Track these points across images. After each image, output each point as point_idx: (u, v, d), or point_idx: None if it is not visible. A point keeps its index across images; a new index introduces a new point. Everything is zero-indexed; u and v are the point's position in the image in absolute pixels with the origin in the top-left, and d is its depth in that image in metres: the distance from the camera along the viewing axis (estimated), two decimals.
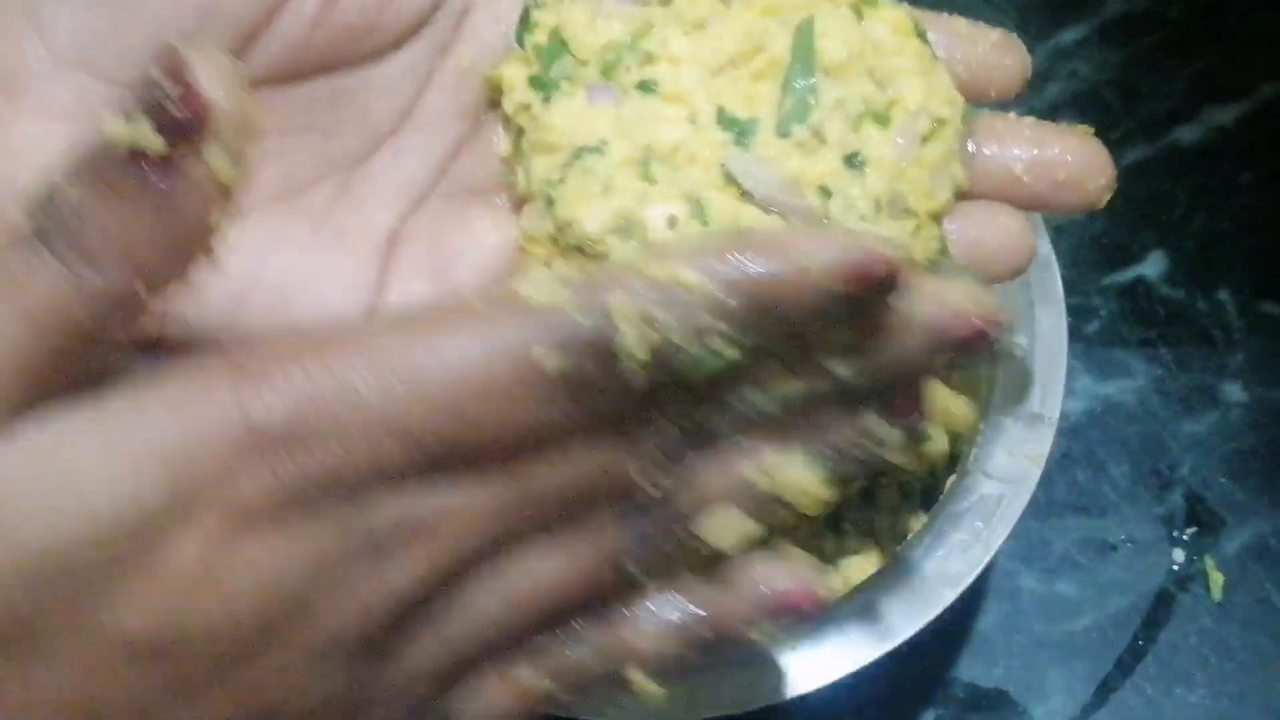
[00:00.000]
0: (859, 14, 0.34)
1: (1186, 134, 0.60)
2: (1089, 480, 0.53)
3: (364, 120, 0.34)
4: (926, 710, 0.49)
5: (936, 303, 0.27)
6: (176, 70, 0.23)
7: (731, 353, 0.26)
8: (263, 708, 0.26)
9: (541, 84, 0.34)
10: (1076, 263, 0.57)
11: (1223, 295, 0.56)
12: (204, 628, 0.25)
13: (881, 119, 0.32)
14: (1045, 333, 0.46)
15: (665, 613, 0.30)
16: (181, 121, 0.23)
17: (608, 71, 0.34)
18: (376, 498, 0.26)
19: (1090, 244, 0.57)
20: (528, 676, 0.29)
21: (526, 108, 0.34)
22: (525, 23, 0.35)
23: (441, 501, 0.26)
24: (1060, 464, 0.52)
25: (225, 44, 0.32)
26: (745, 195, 0.32)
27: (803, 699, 0.41)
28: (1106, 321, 0.56)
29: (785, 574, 0.30)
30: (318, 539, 0.25)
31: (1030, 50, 0.36)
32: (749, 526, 0.29)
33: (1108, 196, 0.33)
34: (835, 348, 0.28)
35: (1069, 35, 0.62)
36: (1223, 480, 0.53)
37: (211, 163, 0.24)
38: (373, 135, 0.35)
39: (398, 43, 0.34)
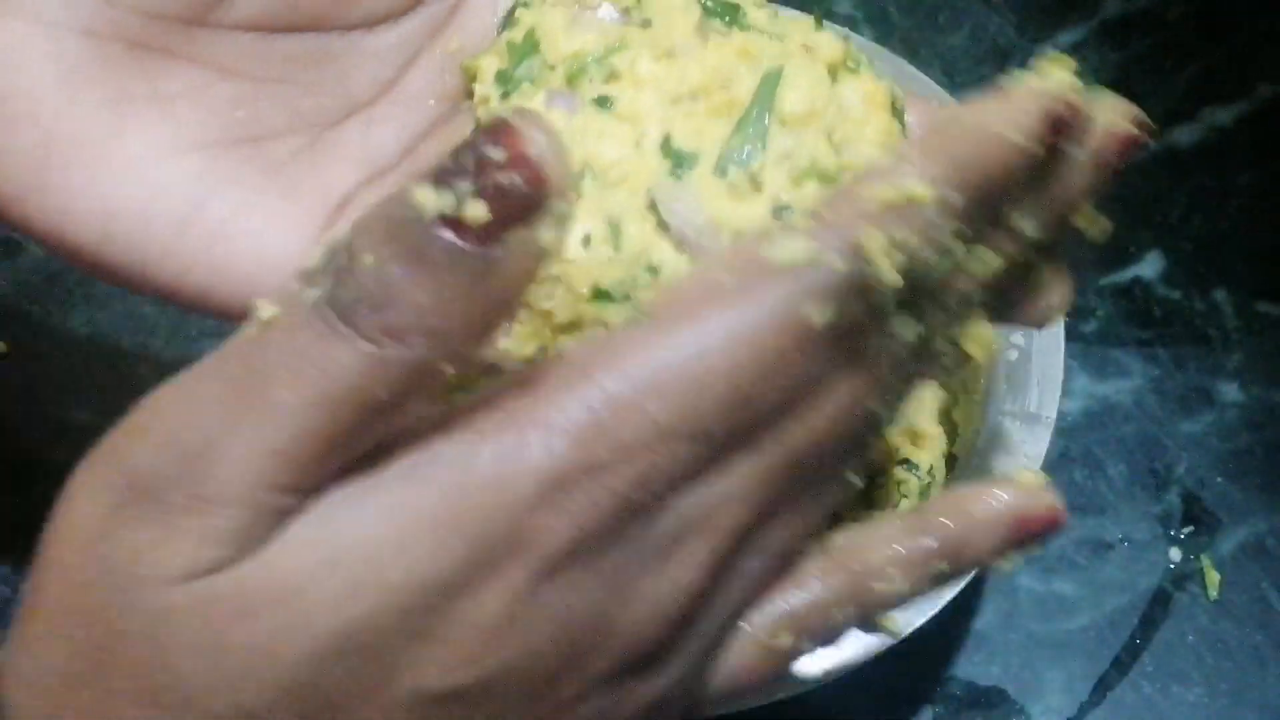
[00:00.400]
0: (834, 76, 0.34)
1: (1184, 135, 0.60)
2: (1086, 480, 0.53)
3: (343, 85, 0.35)
4: (924, 708, 0.49)
5: (1098, 130, 0.28)
6: (507, 137, 0.22)
7: (960, 247, 0.26)
8: None
9: (504, 79, 0.34)
10: (1074, 262, 0.57)
11: (1220, 296, 0.57)
12: (509, 673, 0.24)
13: (826, 178, 0.32)
14: (1042, 333, 0.46)
15: (904, 548, 0.29)
16: (512, 190, 0.22)
17: (572, 80, 0.34)
18: (662, 503, 0.25)
19: (1088, 244, 0.58)
20: (779, 637, 0.28)
21: (486, 101, 0.34)
22: (509, 17, 0.35)
23: (716, 488, 0.25)
24: (1058, 464, 0.53)
25: None
26: (661, 227, 0.32)
27: (802, 697, 0.41)
28: (1104, 322, 0.56)
29: (1022, 495, 0.29)
30: (615, 562, 0.25)
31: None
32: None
33: (1060, 316, 0.32)
34: (1033, 206, 0.28)
35: (1067, 36, 0.62)
36: (1219, 480, 0.53)
37: (538, 231, 0.23)
38: (349, 101, 0.35)
39: (391, 15, 0.34)
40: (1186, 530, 0.52)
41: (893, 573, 0.29)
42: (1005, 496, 0.29)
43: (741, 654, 0.28)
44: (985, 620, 0.50)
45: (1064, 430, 0.53)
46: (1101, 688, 0.49)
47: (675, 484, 0.25)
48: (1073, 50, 0.62)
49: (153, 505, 0.23)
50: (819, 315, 0.24)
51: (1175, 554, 0.51)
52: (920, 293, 0.26)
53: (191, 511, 0.23)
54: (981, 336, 0.29)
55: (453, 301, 0.22)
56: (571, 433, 0.23)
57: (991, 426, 0.45)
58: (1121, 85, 0.61)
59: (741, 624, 0.28)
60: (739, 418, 0.25)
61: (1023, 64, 0.60)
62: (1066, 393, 0.46)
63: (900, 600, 0.29)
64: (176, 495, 0.23)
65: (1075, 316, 0.55)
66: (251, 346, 0.23)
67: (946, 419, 0.50)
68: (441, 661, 0.24)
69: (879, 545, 0.29)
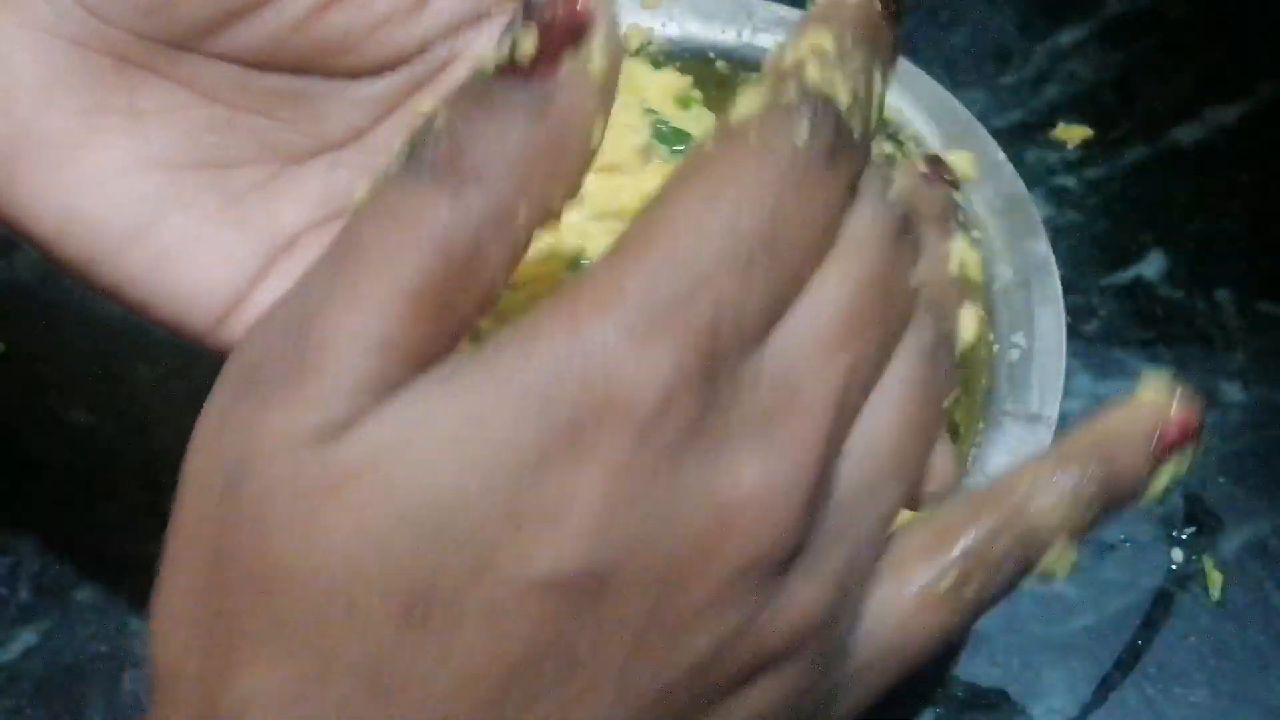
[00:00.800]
0: None
1: (1186, 134, 0.60)
2: None
3: (317, 126, 0.35)
4: (926, 709, 0.49)
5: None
6: None
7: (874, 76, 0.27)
8: (694, 651, 0.25)
9: None
10: (1075, 262, 0.57)
11: (1222, 295, 0.56)
12: (628, 558, 0.23)
13: None
14: (1044, 332, 0.46)
15: (1054, 475, 0.29)
16: (559, 21, 0.24)
17: None
18: (744, 360, 0.25)
19: (1089, 244, 0.57)
20: (943, 582, 0.28)
21: None
22: None
23: (790, 341, 0.25)
24: None
25: (205, 14, 0.33)
26: None
27: None
28: (1105, 321, 0.56)
29: (1155, 406, 0.30)
30: (713, 434, 0.24)
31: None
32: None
33: None
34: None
35: (1068, 35, 0.62)
36: (1221, 480, 0.53)
37: (591, 63, 0.24)
38: (319, 141, 0.35)
39: (375, 70, 0.35)
40: (1188, 531, 0.52)
41: (1047, 504, 0.29)
42: (1140, 408, 0.30)
43: (906, 603, 0.28)
44: (987, 621, 0.50)
45: (1066, 430, 0.53)
46: (1103, 689, 0.49)
47: (753, 328, 0.25)
48: (1073, 50, 0.62)
49: (260, 384, 0.24)
50: (798, 134, 0.25)
51: (1177, 555, 0.51)
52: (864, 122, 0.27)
53: (292, 380, 0.23)
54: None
55: (518, 138, 0.24)
56: (639, 292, 0.24)
57: (992, 426, 0.45)
58: (1123, 85, 0.62)
59: (898, 573, 0.28)
60: (781, 250, 0.25)
61: (1024, 62, 0.60)
62: (1068, 393, 0.46)
63: (1061, 536, 0.29)
64: (280, 367, 0.24)
65: (1077, 316, 0.55)
66: (347, 225, 0.25)
67: (948, 419, 0.49)
68: (546, 545, 0.23)
69: (1027, 477, 0.29)
